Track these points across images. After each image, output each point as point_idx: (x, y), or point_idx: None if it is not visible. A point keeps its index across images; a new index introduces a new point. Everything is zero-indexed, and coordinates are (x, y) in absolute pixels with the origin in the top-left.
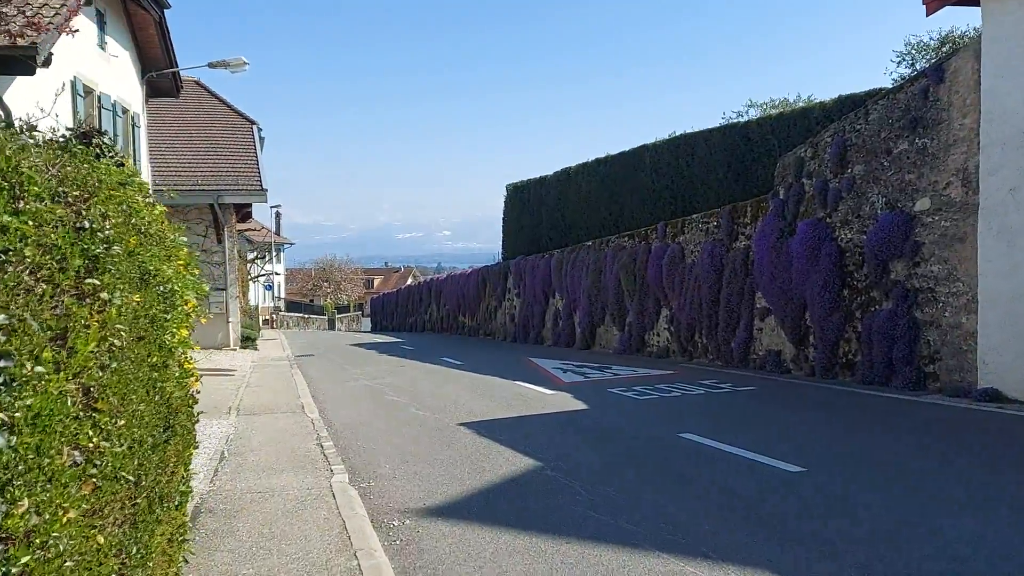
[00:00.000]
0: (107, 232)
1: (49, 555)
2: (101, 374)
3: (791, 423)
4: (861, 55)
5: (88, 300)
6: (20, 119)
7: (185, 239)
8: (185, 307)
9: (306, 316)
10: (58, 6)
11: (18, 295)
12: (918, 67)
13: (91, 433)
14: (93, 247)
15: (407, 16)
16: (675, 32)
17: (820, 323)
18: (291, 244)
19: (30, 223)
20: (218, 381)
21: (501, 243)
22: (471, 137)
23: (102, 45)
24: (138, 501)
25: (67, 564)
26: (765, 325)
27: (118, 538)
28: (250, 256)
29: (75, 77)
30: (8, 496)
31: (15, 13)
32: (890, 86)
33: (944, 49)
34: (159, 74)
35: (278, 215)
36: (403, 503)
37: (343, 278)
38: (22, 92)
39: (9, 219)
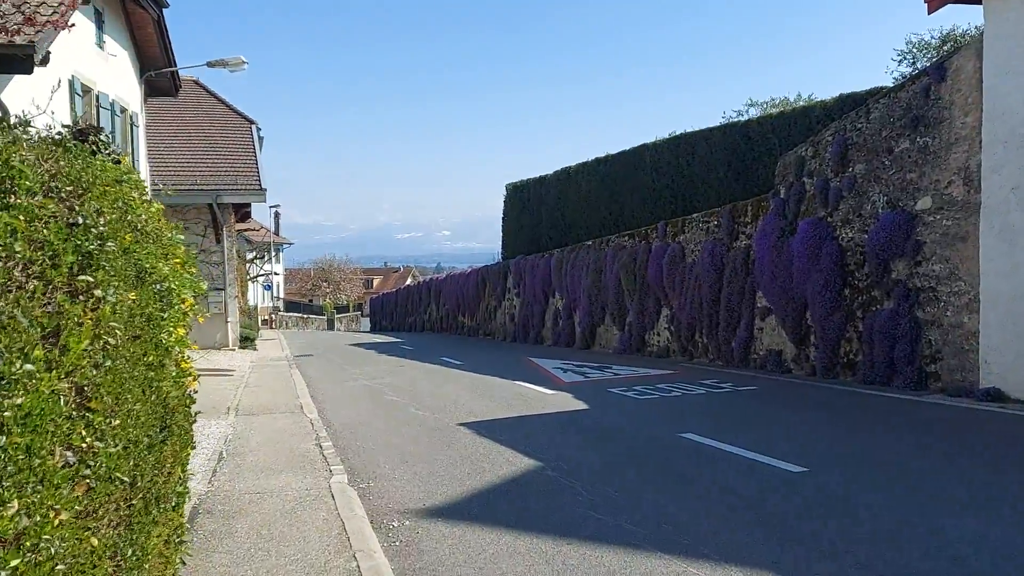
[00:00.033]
0: (101, 228)
1: (40, 558)
2: (95, 373)
3: (792, 423)
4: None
5: (81, 297)
6: (16, 116)
7: (182, 237)
8: (182, 306)
9: (305, 316)
10: (56, 4)
11: (8, 291)
12: (919, 66)
13: (84, 433)
14: (86, 243)
15: (407, 16)
16: (675, 32)
17: (821, 323)
18: (290, 244)
19: (21, 218)
20: (217, 381)
21: (501, 243)
22: (471, 137)
23: (100, 44)
24: (133, 502)
25: (59, 567)
26: (766, 325)
27: (113, 540)
28: (249, 256)
29: (73, 76)
30: None
31: (13, 11)
32: (891, 85)
33: (945, 48)
34: (158, 73)
35: (277, 215)
36: (403, 504)
37: (342, 278)
38: (20, 92)
39: None
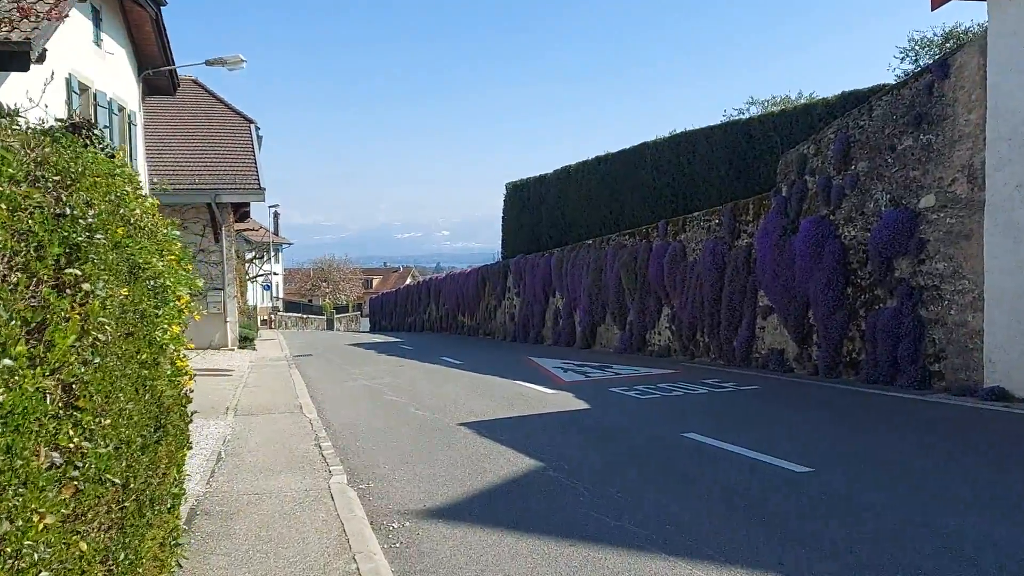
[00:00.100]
0: (90, 220)
1: (23, 564)
2: (83, 370)
3: (795, 422)
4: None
5: (69, 291)
6: (5, 106)
7: (178, 233)
8: (178, 303)
9: (304, 316)
10: (52, 1)
11: None
12: (921, 63)
13: (72, 433)
14: (74, 235)
15: (406, 15)
16: (675, 30)
17: (823, 321)
18: (290, 244)
19: (3, 207)
20: (215, 381)
21: (501, 242)
22: (471, 137)
23: (98, 42)
24: (126, 505)
25: (43, 574)
26: (768, 324)
27: (104, 544)
28: (248, 256)
29: (70, 74)
30: None
31: (10, 7)
32: (894, 82)
33: (948, 45)
34: (156, 72)
35: (276, 215)
36: (403, 504)
37: (342, 278)
38: (17, 91)
39: None
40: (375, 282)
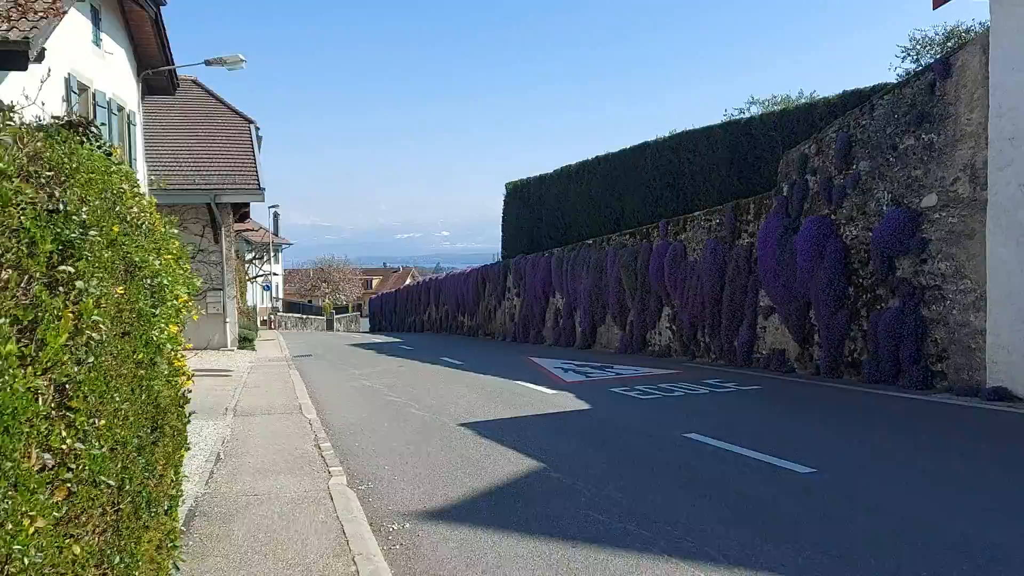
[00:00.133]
0: (84, 216)
1: (13, 569)
2: (76, 369)
3: (798, 423)
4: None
5: (62, 289)
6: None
7: (176, 231)
8: (175, 302)
9: (304, 317)
10: (50, 0)
11: None
12: (923, 62)
13: (65, 434)
14: (67, 231)
15: (409, 18)
16: (675, 30)
17: (825, 321)
18: (289, 244)
19: None
20: (215, 382)
21: (501, 242)
22: (470, 137)
23: (97, 42)
24: (121, 507)
25: None
26: (769, 324)
27: (98, 547)
28: (248, 256)
29: (69, 74)
30: None
31: (8, 5)
32: (895, 81)
33: (949, 44)
34: (155, 72)
35: (276, 215)
36: (403, 506)
37: (341, 278)
38: (17, 91)
39: None
40: (375, 282)
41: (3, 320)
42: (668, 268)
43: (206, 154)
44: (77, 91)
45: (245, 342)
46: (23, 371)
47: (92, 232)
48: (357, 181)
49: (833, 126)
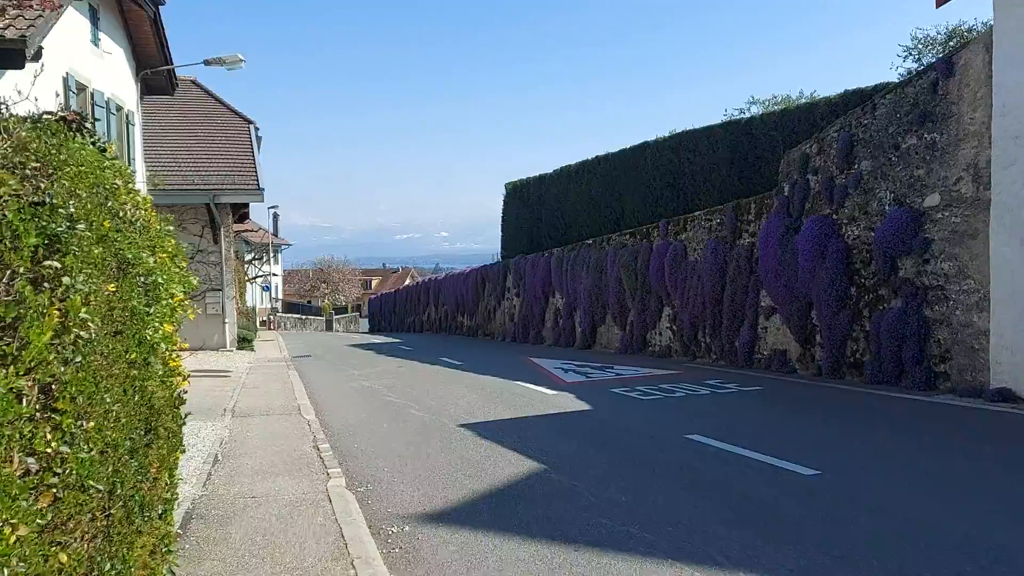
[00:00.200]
0: (71, 210)
1: None
2: (63, 369)
3: (800, 424)
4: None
5: (47, 285)
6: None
7: (172, 229)
8: (171, 301)
9: (304, 317)
10: None
11: None
12: (925, 61)
13: (50, 437)
14: (53, 225)
15: (408, 18)
16: (675, 29)
17: (827, 322)
18: (289, 245)
19: None
20: (213, 382)
21: (500, 242)
22: (470, 137)
23: (95, 42)
24: (112, 512)
25: None
26: (770, 324)
27: (88, 554)
28: (247, 257)
29: (68, 73)
30: None
31: (5, 2)
32: (897, 80)
33: (951, 43)
34: (154, 72)
35: (276, 216)
36: (402, 508)
37: (341, 279)
38: (8, 87)
39: None
40: (374, 283)
41: None
42: (668, 268)
43: (205, 154)
44: (75, 90)
45: (244, 342)
46: (4, 371)
47: (80, 226)
48: (357, 181)
49: (835, 125)
